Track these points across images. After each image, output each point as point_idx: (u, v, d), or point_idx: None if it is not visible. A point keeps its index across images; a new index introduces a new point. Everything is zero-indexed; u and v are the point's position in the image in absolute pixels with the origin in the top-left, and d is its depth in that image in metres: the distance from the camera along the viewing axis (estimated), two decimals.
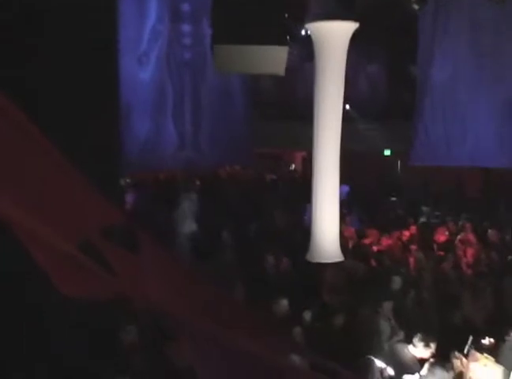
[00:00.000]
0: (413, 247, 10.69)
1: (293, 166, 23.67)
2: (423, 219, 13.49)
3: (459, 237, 11.57)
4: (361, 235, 11.45)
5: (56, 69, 4.40)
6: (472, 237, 11.51)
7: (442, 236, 11.37)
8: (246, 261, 9.68)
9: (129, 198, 12.08)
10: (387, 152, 20.71)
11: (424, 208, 14.60)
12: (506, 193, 15.97)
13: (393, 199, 15.87)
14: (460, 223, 12.32)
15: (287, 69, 9.75)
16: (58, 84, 4.43)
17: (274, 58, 9.10)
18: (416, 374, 5.91)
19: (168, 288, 2.44)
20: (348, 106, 15.68)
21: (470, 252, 10.58)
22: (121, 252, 2.44)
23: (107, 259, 2.36)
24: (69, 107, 4.51)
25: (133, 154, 12.64)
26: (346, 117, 9.25)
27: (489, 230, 11.85)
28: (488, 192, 16.94)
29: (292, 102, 18.98)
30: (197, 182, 14.89)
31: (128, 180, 13.58)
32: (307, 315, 7.32)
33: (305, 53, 15.64)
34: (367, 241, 11.20)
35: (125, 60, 9.75)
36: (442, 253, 10.28)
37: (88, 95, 4.67)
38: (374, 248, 10.77)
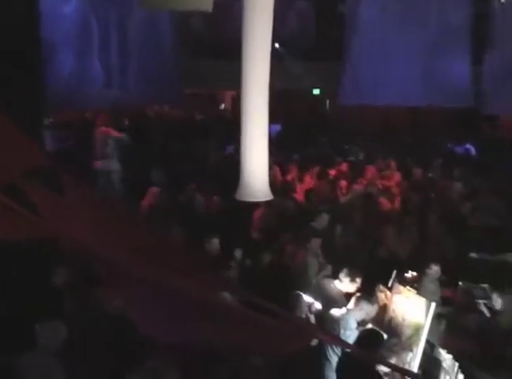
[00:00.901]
0: (341, 185, 10.89)
1: (223, 105, 23.49)
2: (351, 158, 13.74)
3: (384, 174, 11.86)
4: (290, 174, 11.56)
5: None
6: (397, 175, 11.82)
7: (369, 174, 11.60)
8: (176, 201, 9.66)
9: (54, 138, 11.74)
10: (316, 92, 20.78)
11: (352, 147, 14.85)
12: (431, 132, 16.42)
13: (323, 138, 16.03)
14: (386, 161, 12.59)
15: (215, 5, 9.52)
16: None
17: None
18: (343, 308, 6.10)
19: (94, 229, 2.40)
20: (277, 45, 15.56)
21: (395, 189, 10.88)
22: (45, 193, 2.38)
23: (31, 201, 2.29)
24: None
25: (56, 92, 12.20)
26: (275, 55, 9.17)
27: (414, 169, 12.19)
28: (415, 131, 17.33)
29: (221, 40, 18.66)
30: (125, 122, 14.58)
31: (52, 120, 13.16)
32: (238, 253, 7.40)
33: None
34: (295, 179, 11.33)
35: None
36: (368, 190, 10.51)
37: (6, 31, 4.44)
38: (303, 186, 10.92)
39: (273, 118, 8.81)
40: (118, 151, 10.98)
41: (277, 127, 15.99)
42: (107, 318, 5.44)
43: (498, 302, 6.62)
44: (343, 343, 4.47)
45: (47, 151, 9.27)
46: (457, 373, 5.26)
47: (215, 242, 7.41)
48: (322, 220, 8.51)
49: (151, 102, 17.38)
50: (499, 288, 6.78)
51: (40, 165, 2.32)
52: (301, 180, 11.30)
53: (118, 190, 10.63)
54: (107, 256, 2.30)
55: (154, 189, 9.35)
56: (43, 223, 2.22)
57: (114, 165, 10.86)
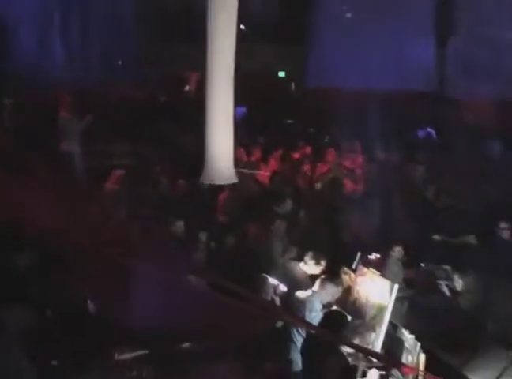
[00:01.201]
0: (305, 168, 10.93)
1: (188, 87, 23.26)
2: (316, 141, 13.76)
3: (348, 157, 11.92)
4: (254, 156, 11.55)
5: None
6: (360, 158, 11.89)
7: (331, 157, 11.64)
8: (141, 184, 9.57)
9: (14, 119, 11.51)
10: (282, 74, 20.72)
11: (317, 130, 14.88)
12: (395, 116, 16.50)
13: (288, 121, 16.03)
14: (351, 144, 12.64)
15: None
16: None
17: None
18: (308, 290, 6.14)
19: (57, 211, 2.36)
20: (242, 27, 15.44)
21: (358, 172, 10.95)
22: (6, 176, 2.33)
23: None
24: None
25: (16, 72, 11.95)
26: (240, 37, 9.09)
27: (377, 152, 12.27)
28: (379, 114, 17.39)
29: (186, 21, 18.42)
30: (87, 102, 14.32)
31: (12, 100, 12.87)
32: (203, 236, 7.39)
33: None
34: (260, 162, 11.33)
35: None
36: (332, 173, 10.56)
37: None
38: (267, 168, 10.93)
39: (238, 100, 8.76)
40: (81, 133, 10.80)
41: (242, 110, 15.92)
42: (70, 302, 5.38)
43: (459, 283, 6.75)
44: (308, 325, 4.51)
45: (8, 131, 9.09)
46: (418, 352, 5.35)
47: (180, 225, 7.39)
48: (286, 205, 8.54)
49: (113, 82, 17.09)
50: (460, 269, 6.91)
51: (2, 147, 2.26)
52: (266, 162, 11.30)
53: (82, 173, 10.48)
54: (70, 238, 2.27)
55: (118, 172, 9.25)
56: (5, 206, 2.18)
57: (77, 147, 10.68)
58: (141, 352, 4.59)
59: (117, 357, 4.47)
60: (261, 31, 18.44)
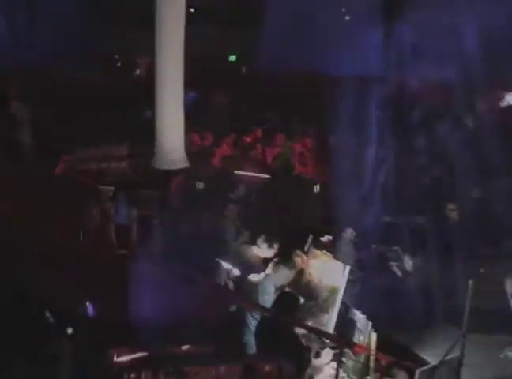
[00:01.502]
0: (257, 151, 10.94)
1: (138, 71, 22.94)
2: (267, 125, 13.76)
3: (299, 141, 11.96)
4: (207, 141, 11.49)
5: None
6: (309, 141, 11.94)
7: (279, 140, 11.65)
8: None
9: None
10: (232, 58, 20.61)
11: (268, 114, 14.87)
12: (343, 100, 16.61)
13: (240, 105, 15.95)
14: (301, 128, 12.70)
15: None
16: None
17: None
18: (261, 273, 6.17)
19: (6, 200, 2.31)
20: (191, 10, 15.27)
21: (307, 155, 11.01)
22: None
23: None
24: None
25: None
26: (190, 20, 9.00)
27: (327, 135, 12.35)
28: (330, 100, 17.48)
29: (135, 5, 18.12)
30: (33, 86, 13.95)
31: None
32: (156, 222, 7.34)
33: None
34: (211, 146, 11.29)
35: None
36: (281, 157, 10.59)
37: None
38: (219, 152, 10.90)
39: (188, 84, 8.70)
40: (27, 119, 10.55)
41: (193, 94, 15.79)
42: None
43: (409, 264, 6.89)
44: (261, 308, 4.53)
45: None
46: (370, 332, 5.44)
47: (133, 211, 7.33)
48: (239, 191, 8.55)
49: (59, 64, 16.68)
50: (410, 250, 7.05)
51: None
52: (218, 147, 11.26)
53: (31, 161, 10.24)
54: (23, 228, 2.23)
55: (66, 157, 9.10)
56: None
57: (24, 135, 10.43)
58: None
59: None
60: (210, 14, 18.28)
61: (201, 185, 8.93)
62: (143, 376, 3.98)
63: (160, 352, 4.30)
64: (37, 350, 4.68)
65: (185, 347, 4.36)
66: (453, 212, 8.02)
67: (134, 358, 4.16)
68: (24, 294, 4.68)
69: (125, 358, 4.14)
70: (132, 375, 4.00)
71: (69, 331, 4.60)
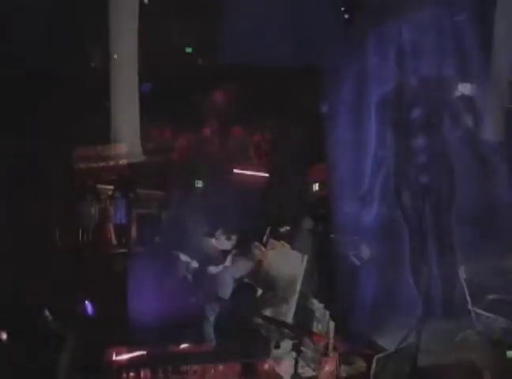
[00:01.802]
0: (214, 144, 10.88)
1: (93, 63, 22.60)
2: (225, 118, 13.67)
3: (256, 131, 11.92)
4: (165, 133, 11.39)
5: None
6: (267, 133, 11.90)
7: (236, 132, 11.57)
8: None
9: None
10: (188, 50, 20.42)
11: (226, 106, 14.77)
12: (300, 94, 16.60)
13: (195, 97, 15.83)
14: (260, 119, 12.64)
15: None
16: None
17: None
18: (220, 266, 6.16)
19: None
20: (145, 1, 15.07)
21: (264, 146, 10.97)
22: None
23: None
24: None
25: None
26: (144, 12, 8.90)
27: (285, 126, 12.33)
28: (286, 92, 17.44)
29: None
30: None
31: None
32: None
33: None
34: (169, 138, 11.19)
35: None
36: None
37: None
38: (177, 145, 10.81)
39: (144, 76, 8.62)
40: None
41: (148, 86, 15.61)
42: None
43: (366, 252, 6.96)
44: (220, 300, 4.53)
45: None
46: (328, 320, 5.48)
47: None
48: (197, 184, 8.51)
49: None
50: (367, 239, 7.11)
51: None
52: (175, 139, 11.16)
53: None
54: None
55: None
56: None
57: None
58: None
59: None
60: (166, 5, 18.07)
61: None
62: (142, 374, 3.97)
63: (158, 351, 4.29)
64: (37, 351, 4.63)
65: (183, 346, 4.35)
66: (408, 199, 8.08)
67: (133, 357, 4.14)
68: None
69: (123, 357, 4.12)
70: (130, 373, 3.98)
71: (69, 331, 4.56)
